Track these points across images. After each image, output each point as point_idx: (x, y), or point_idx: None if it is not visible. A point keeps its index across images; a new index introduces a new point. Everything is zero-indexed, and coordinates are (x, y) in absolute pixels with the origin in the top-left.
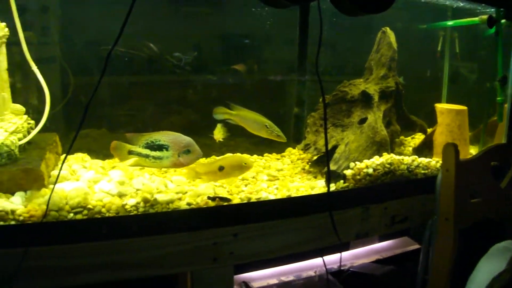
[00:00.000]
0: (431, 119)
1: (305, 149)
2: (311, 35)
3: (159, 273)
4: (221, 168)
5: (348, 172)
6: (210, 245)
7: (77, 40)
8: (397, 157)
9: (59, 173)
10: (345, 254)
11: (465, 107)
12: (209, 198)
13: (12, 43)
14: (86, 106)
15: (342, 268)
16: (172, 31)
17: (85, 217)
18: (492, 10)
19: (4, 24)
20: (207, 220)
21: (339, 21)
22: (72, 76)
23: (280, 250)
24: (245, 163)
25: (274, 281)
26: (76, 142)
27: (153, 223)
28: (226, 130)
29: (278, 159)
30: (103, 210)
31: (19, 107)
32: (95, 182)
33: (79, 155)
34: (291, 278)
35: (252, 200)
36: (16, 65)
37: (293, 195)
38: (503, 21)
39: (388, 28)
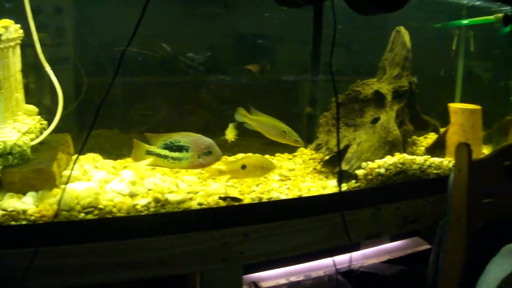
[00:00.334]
0: (445, 119)
1: (317, 149)
2: (325, 34)
3: (169, 273)
4: (243, 167)
5: (360, 172)
6: (220, 245)
7: (91, 41)
8: (410, 157)
9: (71, 173)
10: (355, 254)
11: (479, 107)
12: (220, 198)
13: (26, 44)
14: (98, 106)
15: (352, 268)
16: (186, 32)
17: (96, 217)
18: (508, 8)
19: (18, 25)
20: (218, 220)
21: (353, 20)
22: (86, 77)
23: (291, 250)
24: (267, 164)
25: (283, 281)
26: (89, 142)
27: (164, 223)
28: (237, 130)
29: (289, 159)
30: (114, 210)
31: (32, 107)
32: (106, 182)
33: (91, 155)
34: (300, 278)
35: (263, 200)
36: (30, 66)
37: (305, 195)
38: None
39: (402, 27)
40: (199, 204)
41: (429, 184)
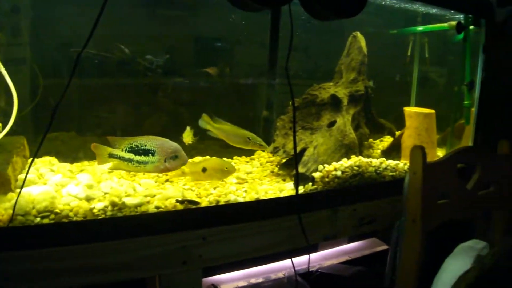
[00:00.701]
0: (400, 123)
1: (274, 152)
2: (283, 38)
3: (127, 278)
4: (204, 170)
5: (316, 175)
6: (179, 249)
7: (48, 42)
8: (366, 159)
9: (26, 176)
10: (314, 255)
11: (433, 111)
12: (177, 201)
13: None
14: (54, 109)
15: (311, 269)
16: (145, 34)
17: (52, 221)
18: (461, 16)
19: None
20: (176, 223)
21: (310, 25)
22: (42, 78)
23: (249, 253)
24: (227, 167)
25: (243, 283)
26: (45, 145)
27: (121, 227)
28: (195, 133)
29: (247, 162)
30: (71, 214)
31: None
32: (62, 185)
33: (47, 159)
34: (260, 280)
35: (220, 203)
36: None
37: (262, 197)
38: (471, 27)
39: (358, 33)
40: (157, 207)
41: (385, 186)
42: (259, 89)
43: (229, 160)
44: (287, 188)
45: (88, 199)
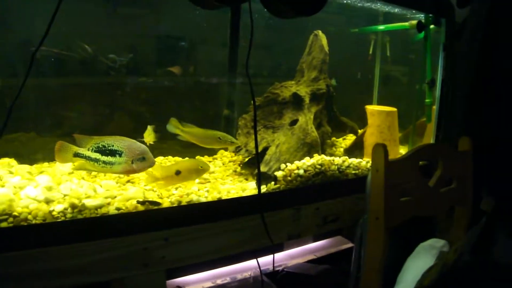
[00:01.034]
0: (363, 121)
1: (236, 151)
2: (244, 36)
3: (89, 281)
4: (177, 172)
5: (279, 174)
6: (141, 250)
7: (5, 40)
8: (328, 158)
9: None
10: (280, 254)
11: (395, 109)
12: (138, 202)
13: None
14: (9, 109)
15: (276, 268)
16: (107, 32)
17: (10, 225)
18: (422, 16)
19: None
20: (137, 225)
21: (272, 23)
22: None
23: (213, 253)
24: (202, 166)
25: (209, 284)
26: (3, 146)
27: (82, 229)
28: (156, 133)
29: (209, 161)
30: (30, 217)
31: None
32: (21, 188)
33: (5, 160)
34: (226, 280)
35: (182, 204)
36: None
37: (224, 197)
38: (431, 26)
39: (320, 31)
40: (117, 209)
41: (348, 184)
42: (221, 88)
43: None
44: (249, 188)
45: (48, 201)
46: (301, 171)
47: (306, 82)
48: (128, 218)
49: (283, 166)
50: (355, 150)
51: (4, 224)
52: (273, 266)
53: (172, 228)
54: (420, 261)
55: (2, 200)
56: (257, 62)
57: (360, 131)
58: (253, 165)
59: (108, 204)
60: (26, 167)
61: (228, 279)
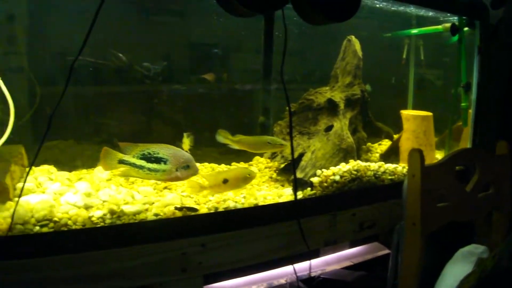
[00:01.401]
0: (398, 126)
1: (272, 157)
2: (278, 43)
3: (127, 286)
4: (225, 181)
5: (315, 180)
6: (179, 256)
7: (45, 50)
8: (364, 163)
9: (24, 185)
10: (316, 261)
11: (430, 113)
12: (176, 208)
13: None
14: (50, 117)
15: (313, 275)
16: (141, 41)
17: (51, 230)
18: (455, 18)
19: None
20: (175, 231)
21: (305, 29)
22: (39, 87)
23: (249, 259)
24: (249, 174)
25: None
26: (43, 153)
27: (120, 235)
28: (193, 140)
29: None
30: (70, 222)
31: None
32: (61, 194)
33: (45, 167)
34: (262, 286)
35: (219, 210)
36: None
37: (261, 203)
38: (465, 29)
39: (353, 37)
40: (155, 214)
41: (384, 190)
42: (256, 95)
43: (227, 166)
44: (285, 194)
45: (87, 207)
46: (337, 177)
47: (340, 88)
48: (166, 224)
49: (319, 172)
50: (391, 155)
51: (45, 229)
52: (310, 272)
53: (209, 234)
54: (459, 267)
55: (43, 206)
56: (291, 68)
57: (395, 136)
58: (289, 171)
59: (146, 210)
60: (65, 173)
61: (263, 286)
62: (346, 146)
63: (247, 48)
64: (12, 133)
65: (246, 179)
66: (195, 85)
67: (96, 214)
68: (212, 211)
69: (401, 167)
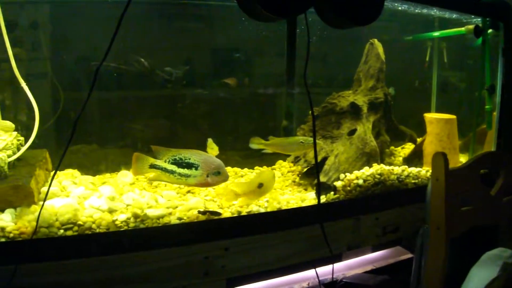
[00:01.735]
0: (421, 129)
1: (295, 161)
2: (301, 47)
3: None
4: (260, 185)
5: (338, 184)
6: (202, 259)
7: (68, 56)
8: (387, 167)
9: (48, 189)
10: (338, 265)
11: (454, 116)
12: (199, 212)
13: (1, 60)
14: (74, 121)
15: (335, 279)
16: (163, 46)
17: (75, 233)
18: (479, 20)
19: None
20: (198, 235)
21: (328, 33)
22: (63, 92)
23: (272, 263)
24: (274, 175)
25: None
26: (67, 158)
27: (144, 238)
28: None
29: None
30: (94, 226)
31: (9, 124)
32: (85, 198)
33: (69, 171)
34: None
35: (242, 214)
36: (6, 82)
37: (284, 207)
38: (489, 30)
39: (376, 40)
40: (179, 218)
41: (408, 194)
42: (278, 99)
43: (250, 170)
44: (309, 198)
45: (111, 211)
46: (361, 181)
47: (363, 91)
48: (189, 228)
49: (342, 176)
50: (414, 159)
51: (69, 233)
52: (332, 276)
53: (232, 238)
54: (485, 271)
55: (67, 209)
56: (314, 72)
57: (419, 140)
58: (312, 175)
59: (170, 214)
60: (89, 177)
61: None
62: (369, 150)
63: (269, 53)
64: (36, 137)
65: (274, 177)
66: (217, 90)
67: (120, 217)
68: (235, 215)
69: (425, 171)
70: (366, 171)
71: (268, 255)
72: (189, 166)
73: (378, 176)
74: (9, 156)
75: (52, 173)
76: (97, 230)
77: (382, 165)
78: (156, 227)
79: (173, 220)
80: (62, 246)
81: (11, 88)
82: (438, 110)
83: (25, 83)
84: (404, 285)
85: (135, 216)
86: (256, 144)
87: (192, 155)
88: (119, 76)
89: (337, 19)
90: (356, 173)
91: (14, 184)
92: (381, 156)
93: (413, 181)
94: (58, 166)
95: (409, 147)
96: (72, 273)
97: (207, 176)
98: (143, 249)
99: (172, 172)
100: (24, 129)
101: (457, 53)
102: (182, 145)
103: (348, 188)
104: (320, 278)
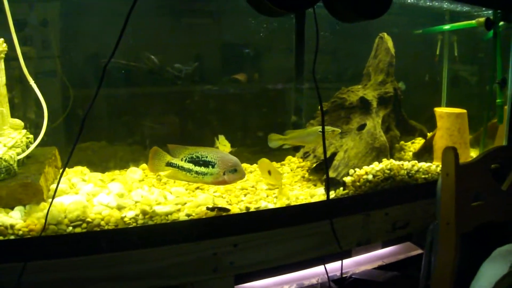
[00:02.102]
0: (431, 123)
1: (304, 157)
2: (310, 42)
3: (159, 285)
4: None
5: (347, 179)
6: (210, 256)
7: (77, 53)
8: (397, 162)
9: (57, 186)
10: (348, 261)
11: (464, 110)
12: (208, 208)
13: (11, 58)
14: (83, 119)
15: (344, 275)
16: (173, 42)
17: (84, 230)
18: (490, 12)
19: (1, 39)
20: (207, 231)
21: (337, 28)
22: (72, 89)
23: (281, 259)
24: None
25: None
26: (76, 155)
27: (152, 235)
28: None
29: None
30: (102, 223)
31: (18, 121)
32: (94, 195)
33: (78, 168)
34: (293, 286)
35: (251, 210)
36: (15, 80)
37: (293, 203)
38: (501, 23)
39: (385, 34)
40: (187, 215)
41: (418, 189)
42: (288, 94)
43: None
44: (318, 193)
45: (119, 208)
46: (370, 176)
47: (373, 86)
48: (198, 224)
49: (351, 171)
50: (424, 154)
51: (78, 230)
52: (341, 273)
53: (241, 234)
54: (496, 267)
55: (76, 206)
56: (323, 67)
57: (429, 134)
58: (321, 170)
59: (178, 210)
60: (98, 174)
61: (294, 285)
62: (379, 145)
63: (278, 48)
64: (45, 135)
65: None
66: (226, 86)
67: (129, 214)
68: (244, 211)
69: (435, 166)
70: (376, 166)
71: (277, 251)
72: (206, 164)
73: (388, 171)
74: (18, 154)
75: (61, 170)
76: (106, 227)
77: (392, 160)
78: (164, 224)
79: (182, 216)
80: (71, 243)
81: (20, 86)
82: (448, 104)
83: (33, 81)
84: (413, 281)
85: (144, 212)
86: (275, 140)
87: (209, 153)
88: (129, 73)
89: (346, 13)
90: (366, 168)
91: (23, 182)
92: (391, 151)
93: (423, 176)
94: (67, 163)
95: (419, 142)
96: (80, 270)
97: (224, 174)
98: (151, 246)
99: (189, 170)
100: (33, 127)
101: (468, 47)
102: (192, 141)
103: (358, 183)
104: (330, 274)
